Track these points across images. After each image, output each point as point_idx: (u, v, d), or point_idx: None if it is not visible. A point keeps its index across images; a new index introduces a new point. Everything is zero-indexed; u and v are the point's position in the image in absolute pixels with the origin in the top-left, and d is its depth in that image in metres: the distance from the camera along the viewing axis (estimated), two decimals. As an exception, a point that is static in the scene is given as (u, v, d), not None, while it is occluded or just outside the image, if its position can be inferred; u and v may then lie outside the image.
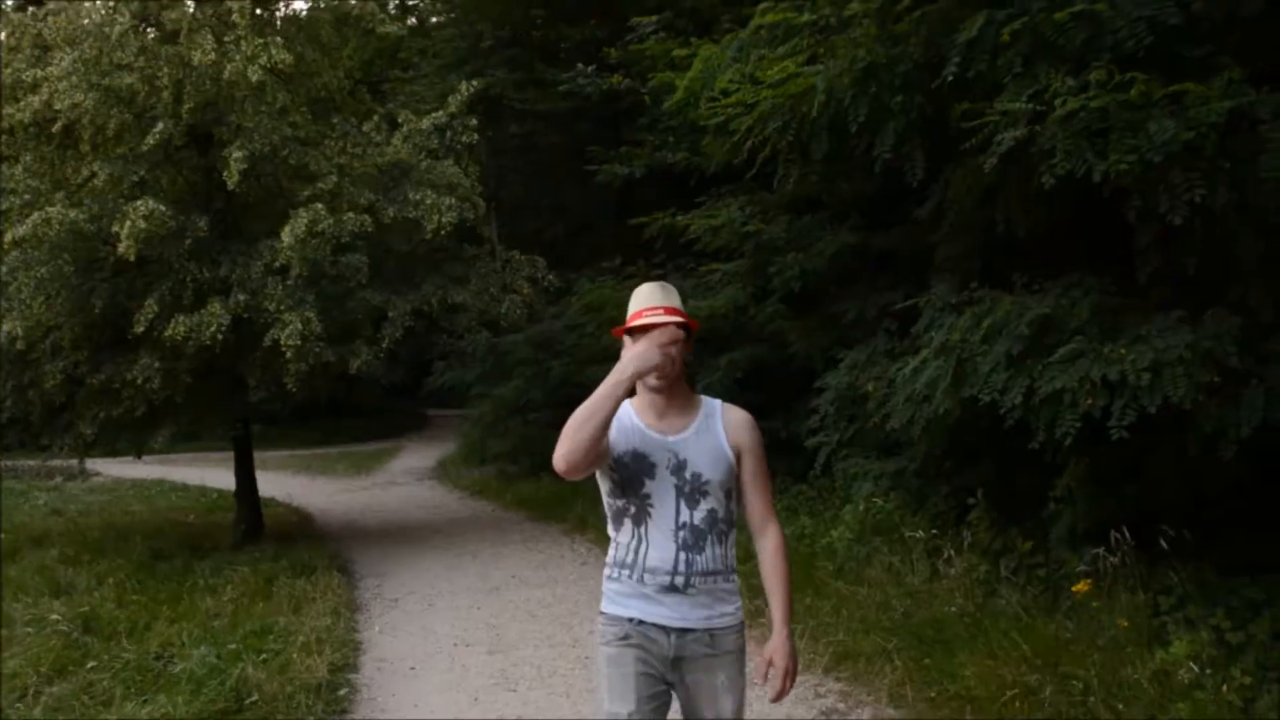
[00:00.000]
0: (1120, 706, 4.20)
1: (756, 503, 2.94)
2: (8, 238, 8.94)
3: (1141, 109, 3.85)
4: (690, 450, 2.88)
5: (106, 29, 9.41)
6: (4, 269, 9.18)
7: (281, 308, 9.39)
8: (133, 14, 9.65)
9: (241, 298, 9.51)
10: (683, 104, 6.91)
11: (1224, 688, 4.13)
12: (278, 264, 9.54)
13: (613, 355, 10.69)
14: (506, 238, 24.26)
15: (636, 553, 2.87)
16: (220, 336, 9.19)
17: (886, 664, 5.32)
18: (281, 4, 11.70)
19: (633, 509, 2.89)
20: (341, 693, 5.84)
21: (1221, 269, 4.43)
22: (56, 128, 9.41)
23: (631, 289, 10.30)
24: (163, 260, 9.55)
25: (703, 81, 6.31)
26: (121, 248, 8.85)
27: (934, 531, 6.86)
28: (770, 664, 2.84)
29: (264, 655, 6.13)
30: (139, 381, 9.57)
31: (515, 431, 17.15)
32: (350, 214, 9.74)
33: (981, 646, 5.08)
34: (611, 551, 2.97)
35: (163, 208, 9.03)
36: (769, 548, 2.94)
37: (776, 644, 2.85)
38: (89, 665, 6.04)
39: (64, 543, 11.11)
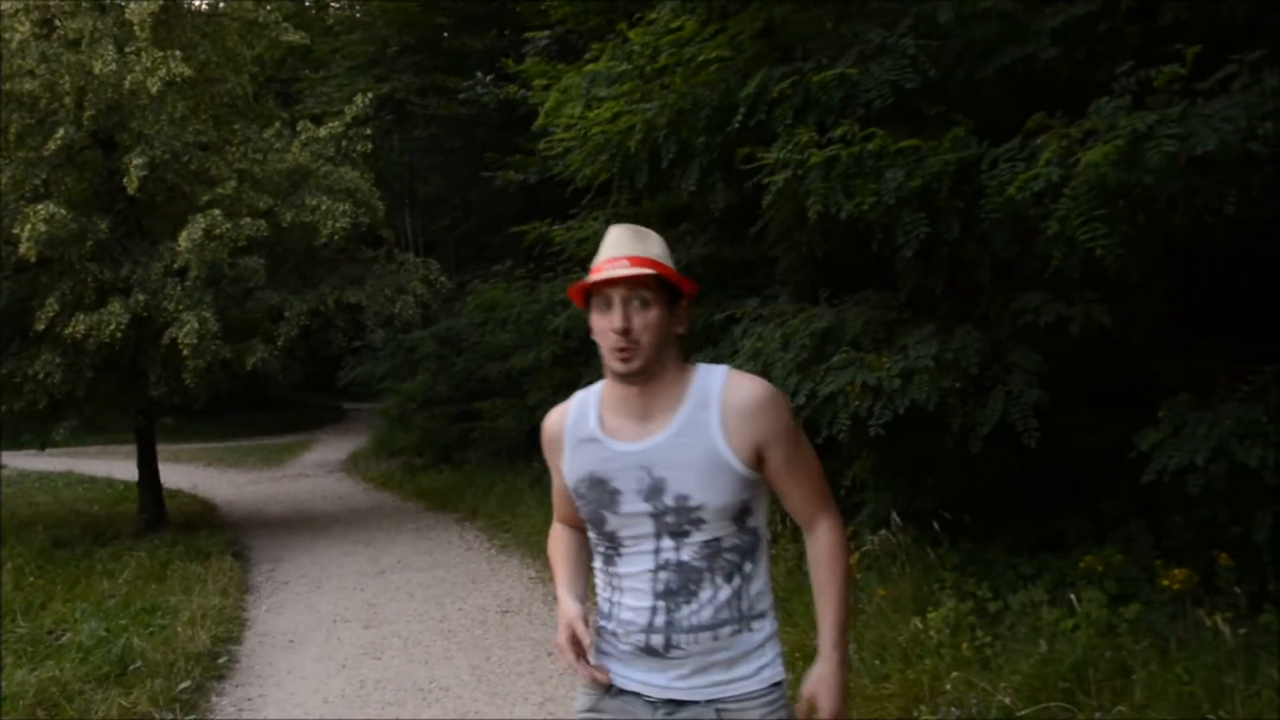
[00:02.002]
0: (876, 662, 4.96)
1: (799, 498, 2.14)
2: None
3: (882, 158, 4.61)
4: (668, 463, 2.07)
5: (7, 35, 9.80)
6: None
7: (180, 307, 9.89)
8: (33, 22, 10.03)
9: (141, 297, 9.98)
10: (544, 126, 7.60)
11: (963, 646, 4.90)
12: (176, 265, 10.03)
13: (508, 352, 11.30)
14: (422, 231, 24.83)
15: (611, 603, 2.18)
16: (119, 334, 9.67)
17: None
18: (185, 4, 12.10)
19: (602, 546, 2.19)
20: (221, 660, 6.43)
21: (969, 290, 5.23)
22: (-46, 131, 9.81)
23: (519, 291, 10.92)
24: (64, 260, 9.98)
25: (557, 110, 7.00)
26: (22, 249, 9.29)
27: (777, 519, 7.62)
28: (812, 702, 2.08)
29: (151, 629, 6.69)
30: (40, 376, 10.00)
31: (421, 425, 17.78)
32: (248, 219, 10.25)
33: (785, 617, 5.83)
34: (599, 596, 2.26)
35: (63, 211, 9.47)
36: (820, 550, 2.15)
37: (822, 674, 2.09)
38: (-15, 639, 6.56)
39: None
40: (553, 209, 12.25)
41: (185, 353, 9.81)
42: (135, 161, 9.70)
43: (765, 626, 2.14)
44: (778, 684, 2.12)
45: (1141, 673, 4.22)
